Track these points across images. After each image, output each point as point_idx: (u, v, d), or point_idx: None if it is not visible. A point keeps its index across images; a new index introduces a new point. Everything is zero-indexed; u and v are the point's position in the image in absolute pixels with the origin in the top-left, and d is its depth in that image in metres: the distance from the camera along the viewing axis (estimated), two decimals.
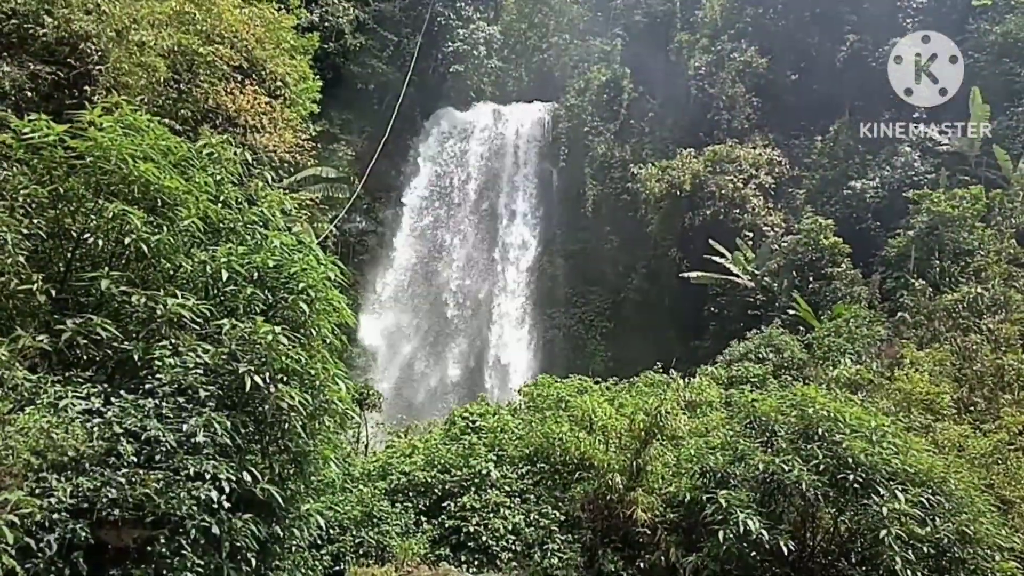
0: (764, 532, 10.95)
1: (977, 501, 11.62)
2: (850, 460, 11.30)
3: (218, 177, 11.57)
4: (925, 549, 10.63)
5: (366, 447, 20.43)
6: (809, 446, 11.70)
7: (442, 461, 14.54)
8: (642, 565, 12.83)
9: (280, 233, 11.34)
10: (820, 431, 11.78)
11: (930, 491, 11.32)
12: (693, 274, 33.26)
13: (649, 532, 12.87)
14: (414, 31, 43.80)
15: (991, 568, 11.03)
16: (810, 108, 38.20)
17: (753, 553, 11.57)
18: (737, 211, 34.71)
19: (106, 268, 9.90)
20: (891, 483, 11.19)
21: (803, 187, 36.63)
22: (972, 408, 18.52)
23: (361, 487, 14.19)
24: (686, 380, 18.54)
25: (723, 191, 34.81)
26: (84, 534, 7.83)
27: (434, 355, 41.30)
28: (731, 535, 11.03)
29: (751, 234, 33.85)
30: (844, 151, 36.00)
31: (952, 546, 10.81)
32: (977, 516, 11.25)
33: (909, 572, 10.43)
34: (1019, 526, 13.47)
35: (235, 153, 12.31)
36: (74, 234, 10.25)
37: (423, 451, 15.35)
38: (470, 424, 16.56)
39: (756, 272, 31.94)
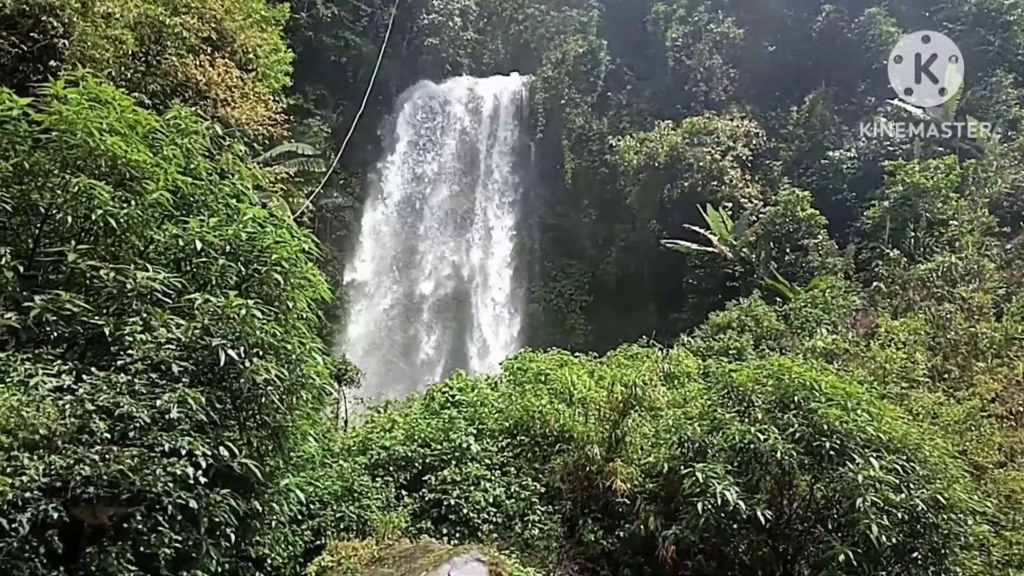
0: (741, 503, 11.03)
1: (951, 467, 11.73)
2: (825, 428, 11.38)
3: (187, 149, 11.36)
4: (899, 515, 10.72)
5: (345, 422, 20.38)
6: (785, 415, 11.77)
7: (422, 435, 14.50)
8: (621, 535, 12.94)
9: (252, 207, 11.18)
10: (796, 400, 11.85)
11: (904, 458, 11.43)
12: (673, 242, 33.29)
13: (628, 502, 12.98)
14: (388, 2, 43.10)
15: (964, 532, 11.18)
16: (786, 79, 38.28)
17: (731, 522, 11.67)
18: (715, 183, 34.70)
19: (74, 243, 9.72)
20: (866, 450, 11.30)
21: (780, 158, 36.74)
22: (946, 376, 18.75)
23: (341, 462, 14.11)
24: (665, 351, 18.60)
25: (701, 163, 34.79)
26: (57, 513, 7.74)
27: (412, 330, 41.17)
28: (709, 506, 11.10)
29: (729, 205, 33.91)
30: (820, 122, 36.13)
31: (926, 512, 10.89)
32: (951, 482, 11.36)
33: (884, 538, 10.53)
34: (991, 491, 13.72)
35: (206, 127, 12.09)
36: (42, 209, 10.07)
37: (403, 425, 15.30)
38: (450, 398, 16.52)
39: (734, 243, 32.06)
